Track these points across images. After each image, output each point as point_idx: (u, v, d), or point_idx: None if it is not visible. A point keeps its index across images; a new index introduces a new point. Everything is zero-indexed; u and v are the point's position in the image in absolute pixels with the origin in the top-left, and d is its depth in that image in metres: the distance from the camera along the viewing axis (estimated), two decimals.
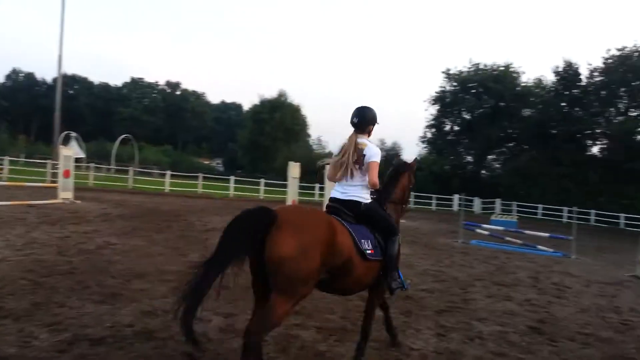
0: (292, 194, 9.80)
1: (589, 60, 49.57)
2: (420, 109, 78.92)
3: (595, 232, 25.74)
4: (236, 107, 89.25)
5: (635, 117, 34.26)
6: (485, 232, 14.54)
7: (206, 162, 70.16)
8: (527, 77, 44.57)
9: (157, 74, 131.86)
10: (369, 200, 4.05)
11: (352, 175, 3.99)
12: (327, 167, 4.44)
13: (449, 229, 18.50)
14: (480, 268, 9.88)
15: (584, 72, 36.47)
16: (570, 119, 35.74)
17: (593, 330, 5.91)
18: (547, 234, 14.35)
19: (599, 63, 35.49)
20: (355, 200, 3.96)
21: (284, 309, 3.18)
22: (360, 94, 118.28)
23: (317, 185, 30.15)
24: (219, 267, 3.14)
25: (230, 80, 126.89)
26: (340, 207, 3.94)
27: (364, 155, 3.99)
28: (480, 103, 39.74)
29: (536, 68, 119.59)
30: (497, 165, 43.18)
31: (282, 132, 57.83)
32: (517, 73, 41.37)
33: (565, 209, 29.74)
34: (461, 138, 43.07)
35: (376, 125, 4.25)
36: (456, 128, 43.79)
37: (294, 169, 9.85)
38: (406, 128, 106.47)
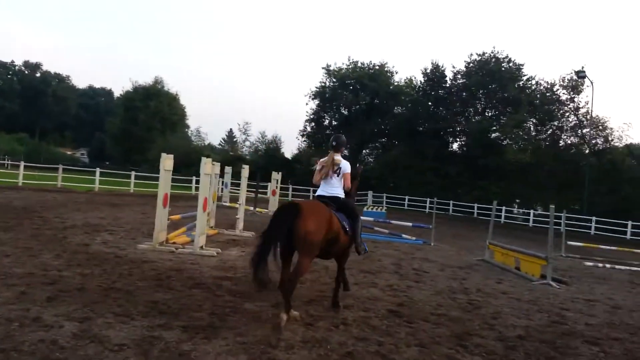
0: (163, 187, 9.36)
1: (453, 63, 54.64)
2: (301, 103, 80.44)
3: (453, 220, 28.41)
4: (106, 93, 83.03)
5: (490, 117, 38.27)
6: None
7: (69, 153, 64.40)
8: (400, 77, 47.58)
9: (13, 54, 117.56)
10: (344, 196, 6.06)
11: (331, 180, 6.02)
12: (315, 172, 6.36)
13: None
14: (349, 257, 10.33)
15: (449, 75, 39.88)
16: (436, 117, 38.87)
17: (445, 310, 6.51)
18: (410, 224, 15.51)
19: (462, 66, 39.05)
20: (336, 196, 5.99)
21: (307, 265, 5.21)
22: (242, 86, 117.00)
23: (194, 178, 29.29)
24: (273, 240, 4.94)
25: (100, 63, 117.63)
26: (327, 200, 5.82)
27: (340, 167, 6.04)
28: (357, 99, 41.48)
29: (408, 69, 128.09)
30: (371, 159, 45.56)
31: (157, 122, 55.12)
32: (391, 72, 43.96)
33: (428, 200, 32.35)
34: (339, 132, 44.45)
35: (346, 148, 6.67)
36: (335, 123, 45.23)
37: (166, 161, 9.40)
38: (287, 121, 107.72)
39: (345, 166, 6.09)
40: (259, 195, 22.89)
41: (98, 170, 27.00)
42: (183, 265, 7.88)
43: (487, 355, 4.80)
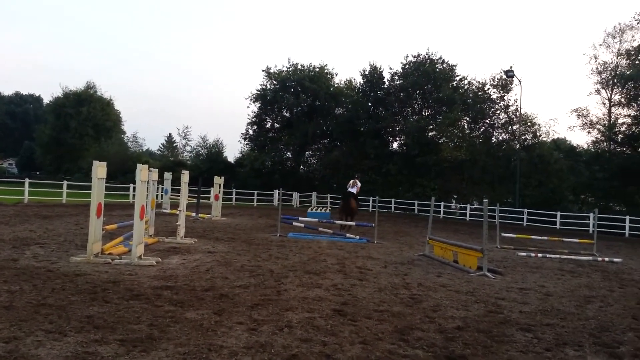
0: (97, 196, 8.96)
1: (390, 64, 55.98)
2: (243, 106, 79.44)
3: (395, 218, 29.07)
4: (34, 99, 78.53)
5: (427, 116, 39.43)
6: (301, 225, 15.30)
7: None
8: (340, 79, 48.12)
9: None
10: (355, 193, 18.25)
11: (352, 187, 18.28)
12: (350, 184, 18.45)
13: (268, 224, 19.03)
14: (294, 259, 10.36)
15: (386, 76, 40.72)
16: (375, 117, 39.59)
17: (387, 306, 6.63)
18: (353, 223, 15.70)
19: (398, 68, 40.01)
20: (353, 192, 18.02)
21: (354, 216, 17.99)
22: (181, 90, 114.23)
23: (132, 186, 28.28)
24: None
25: (27, 69, 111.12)
26: (350, 194, 17.82)
27: (357, 184, 18.72)
28: (298, 101, 41.51)
29: (347, 70, 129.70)
30: (314, 160, 45.77)
31: (91, 128, 52.79)
32: (331, 74, 44.30)
33: (371, 198, 32.93)
34: (281, 135, 44.48)
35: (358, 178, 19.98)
36: (277, 125, 45.07)
37: (99, 169, 9.01)
38: (229, 125, 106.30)
39: (358, 184, 18.69)
40: (202, 200, 22.45)
41: (27, 180, 25.44)
42: (120, 277, 7.58)
43: (427, 348, 4.93)
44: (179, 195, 13.60)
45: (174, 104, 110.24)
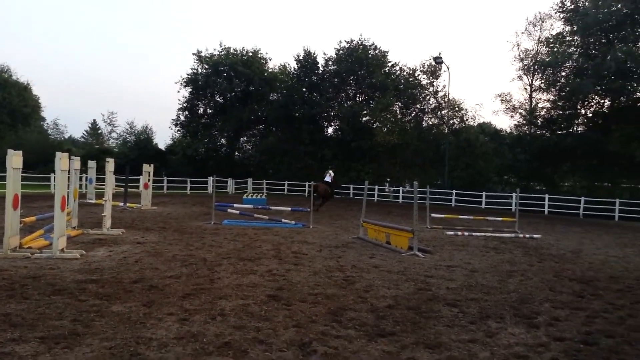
0: (12, 188, 8.35)
1: (324, 50, 56.02)
2: (173, 90, 76.75)
3: (331, 202, 29.39)
4: None
5: (360, 101, 39.94)
6: (236, 212, 15.11)
7: None
8: (274, 64, 47.57)
9: None
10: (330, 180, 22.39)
11: (327, 177, 22.61)
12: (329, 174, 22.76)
13: (202, 212, 18.64)
14: (229, 246, 10.22)
15: (320, 61, 40.71)
16: (310, 102, 39.59)
17: (322, 289, 6.70)
18: (289, 208, 15.72)
19: (332, 53, 40.12)
20: (327, 180, 22.20)
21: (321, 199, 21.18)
22: (105, 73, 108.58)
23: (53, 176, 26.62)
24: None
25: None
26: (325, 182, 21.95)
27: (330, 174, 22.97)
28: (232, 86, 40.60)
29: (281, 55, 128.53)
30: (249, 147, 45.21)
31: (6, 115, 49.06)
32: (265, 59, 43.61)
33: (307, 183, 33.08)
34: (215, 120, 43.48)
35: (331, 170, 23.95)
36: (210, 111, 43.95)
37: (14, 159, 8.39)
38: (159, 110, 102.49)
39: (332, 174, 23.11)
40: (130, 189, 21.57)
41: None
42: (40, 272, 7.14)
43: (359, 327, 5.04)
44: (104, 185, 12.97)
45: (98, 89, 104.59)
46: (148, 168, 21.12)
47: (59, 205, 8.47)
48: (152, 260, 8.42)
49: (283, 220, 15.11)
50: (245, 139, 45.01)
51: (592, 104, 32.62)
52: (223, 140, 43.76)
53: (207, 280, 7.00)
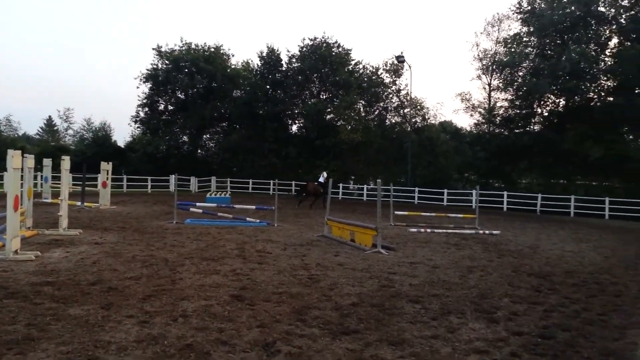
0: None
1: (288, 47, 55.77)
2: (132, 86, 74.85)
3: (295, 200, 29.34)
4: None
5: (324, 99, 40.01)
6: (199, 211, 14.86)
7: None
8: (236, 60, 47.06)
9: None
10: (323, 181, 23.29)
11: (321, 177, 24.37)
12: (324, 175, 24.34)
13: (164, 211, 18.26)
14: (191, 246, 10.04)
15: (284, 58, 40.54)
16: (274, 100, 39.39)
17: (286, 288, 6.67)
18: (254, 207, 15.59)
19: (296, 51, 40.00)
20: (320, 181, 23.85)
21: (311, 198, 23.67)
22: (61, 68, 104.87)
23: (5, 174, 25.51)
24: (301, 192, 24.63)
25: None
26: (320, 183, 23.92)
27: (325, 176, 23.91)
28: (193, 82, 39.94)
29: (244, 52, 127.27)
30: (212, 144, 44.59)
31: None
32: (227, 55, 43.14)
33: (272, 181, 32.92)
34: (176, 117, 42.72)
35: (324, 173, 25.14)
36: (171, 107, 43.11)
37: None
38: (117, 107, 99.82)
39: (325, 175, 23.99)
40: (87, 188, 20.91)
41: None
42: None
43: (324, 326, 5.03)
44: (60, 183, 12.49)
45: (54, 85, 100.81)
46: (106, 166, 20.52)
47: (11, 205, 8.11)
48: (110, 261, 8.18)
49: (247, 219, 14.97)
50: (208, 136, 44.39)
51: (548, 103, 33.77)
52: (185, 138, 43.00)
53: (168, 281, 6.85)
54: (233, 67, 42.82)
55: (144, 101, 41.79)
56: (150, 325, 4.88)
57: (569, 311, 6.11)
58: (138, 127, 42.65)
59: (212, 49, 41.68)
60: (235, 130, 41.55)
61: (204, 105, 40.16)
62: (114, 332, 4.63)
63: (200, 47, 41.44)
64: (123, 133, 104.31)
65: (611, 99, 29.96)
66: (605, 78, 30.87)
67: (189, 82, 39.67)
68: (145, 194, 31.02)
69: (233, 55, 43.40)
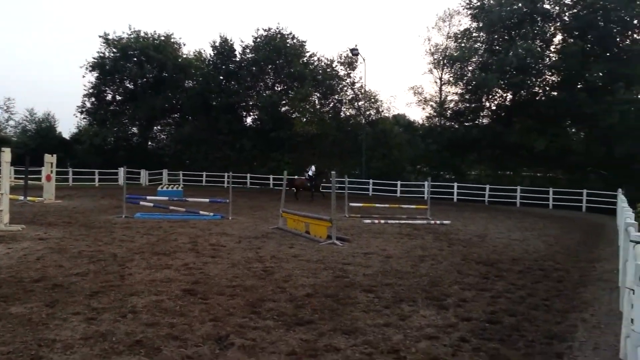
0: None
1: (242, 37, 54.83)
2: (77, 75, 71.79)
3: (251, 193, 29.14)
4: None
5: (279, 91, 39.73)
6: (150, 204, 14.48)
7: None
8: (188, 50, 45.91)
9: None
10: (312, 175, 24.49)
11: (310, 171, 24.71)
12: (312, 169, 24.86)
13: (112, 205, 17.68)
14: (142, 241, 9.77)
15: (238, 49, 39.90)
16: (228, 91, 38.77)
17: (240, 281, 6.61)
18: (207, 200, 15.34)
19: (250, 41, 39.46)
20: (312, 175, 24.43)
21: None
22: (0, 56, 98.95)
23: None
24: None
25: None
26: (309, 177, 24.63)
27: (313, 170, 24.60)
28: (143, 72, 38.72)
29: (196, 41, 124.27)
30: (163, 136, 43.48)
31: None
32: (178, 44, 42.05)
33: (226, 174, 32.47)
34: (125, 108, 41.36)
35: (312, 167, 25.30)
36: (119, 98, 41.68)
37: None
38: (62, 97, 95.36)
39: (313, 169, 24.64)
40: (30, 182, 19.94)
41: None
42: None
43: (278, 318, 5.03)
44: (0, 177, 11.83)
45: None
46: (50, 159, 19.64)
47: None
48: (56, 257, 7.85)
49: (201, 212, 14.71)
50: (159, 128, 43.24)
51: (496, 97, 34.86)
52: (134, 129, 41.73)
53: (117, 276, 6.65)
54: (185, 56, 41.82)
55: (91, 91, 40.20)
56: (97, 322, 4.73)
57: (515, 297, 6.37)
58: (84, 118, 41.02)
59: (163, 38, 40.53)
60: (188, 122, 40.65)
61: (154, 95, 39.06)
62: (59, 330, 4.46)
63: (150, 36, 40.21)
64: (68, 124, 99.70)
65: (555, 93, 31.26)
66: (549, 73, 32.16)
67: (138, 71, 38.45)
68: (93, 187, 29.92)
69: (184, 45, 42.32)
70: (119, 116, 40.61)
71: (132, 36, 39.72)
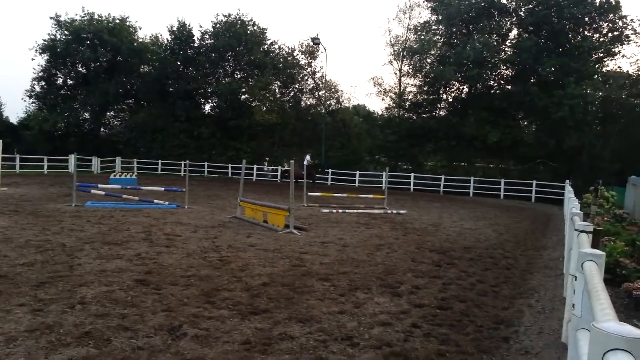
0: None
1: (201, 23, 53.60)
2: (26, 58, 68.36)
3: (209, 182, 28.73)
4: None
5: (239, 79, 39.15)
6: (102, 192, 14.04)
7: None
8: (144, 34, 44.51)
9: None
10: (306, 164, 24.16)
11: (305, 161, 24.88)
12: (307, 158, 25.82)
13: (62, 193, 17.05)
14: (92, 230, 9.47)
15: (196, 34, 38.98)
16: (186, 77, 37.86)
17: (195, 271, 6.52)
18: (162, 188, 15.01)
19: (209, 27, 38.61)
20: (304, 163, 24.32)
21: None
22: None
23: None
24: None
25: None
26: (304, 166, 23.59)
27: (308, 159, 25.53)
28: (96, 56, 37.24)
29: (152, 25, 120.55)
30: (117, 122, 42.11)
31: None
32: (134, 28, 40.68)
33: (183, 162, 31.85)
34: (77, 93, 39.78)
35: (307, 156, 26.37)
36: (70, 82, 40.03)
37: None
38: (9, 80, 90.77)
39: (308, 158, 25.69)
40: None
41: None
42: None
43: (233, 307, 5.00)
44: None
45: None
46: None
47: None
48: (1, 247, 7.51)
49: (155, 201, 14.38)
50: (112, 114, 41.82)
51: (453, 90, 35.60)
52: (87, 115, 40.18)
53: (65, 267, 6.43)
54: (141, 41, 40.49)
55: (40, 74, 38.43)
56: (44, 313, 4.57)
57: (466, 283, 6.57)
58: (33, 103, 39.16)
59: (118, 21, 39.08)
60: (143, 108, 39.47)
61: (107, 80, 37.72)
62: (2, 322, 4.29)
63: (104, 18, 38.68)
64: (15, 109, 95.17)
65: (509, 87, 32.23)
66: (504, 67, 33.07)
67: (91, 55, 36.98)
68: (42, 174, 28.68)
69: (140, 29, 41.09)
70: (70, 101, 39.01)
71: (85, 18, 38.12)
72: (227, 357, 3.80)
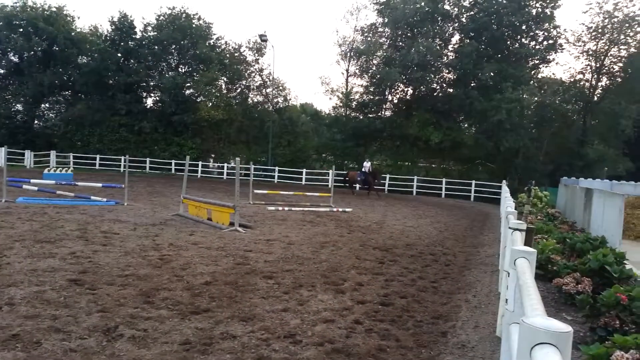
0: None
1: (143, 14, 51.87)
2: None
3: (150, 178, 27.89)
4: None
5: (184, 73, 38.18)
6: (34, 188, 13.31)
7: None
8: (83, 24, 42.55)
9: None
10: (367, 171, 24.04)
11: (364, 168, 24.12)
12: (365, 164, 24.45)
13: None
14: (23, 227, 8.94)
15: (139, 26, 37.70)
16: (127, 70, 36.51)
17: (133, 270, 6.29)
18: (100, 184, 14.42)
19: (152, 19, 37.43)
20: (365, 172, 23.85)
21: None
22: None
23: None
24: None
25: None
26: (364, 172, 24.02)
27: (365, 165, 24.24)
28: (30, 45, 35.20)
29: (91, 15, 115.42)
30: (52, 115, 40.02)
31: None
32: (72, 17, 38.80)
33: (123, 158, 30.74)
34: (8, 83, 37.51)
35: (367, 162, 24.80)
36: (2, 71, 37.68)
37: None
38: None
39: (368, 165, 24.08)
40: None
41: None
42: None
43: (173, 307, 4.87)
44: None
45: None
46: None
47: None
48: None
49: (92, 197, 13.78)
50: (47, 105, 39.72)
51: (398, 91, 36.38)
52: (19, 107, 37.95)
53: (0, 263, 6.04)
54: (79, 31, 38.65)
55: None
56: None
57: (407, 280, 6.73)
58: None
59: (54, 9, 37.13)
60: (81, 101, 37.71)
61: (42, 70, 35.80)
62: None
63: (39, 6, 36.65)
64: None
65: (451, 90, 33.33)
66: (447, 71, 34.19)
67: (24, 43, 34.92)
68: None
69: (79, 18, 39.34)
70: (1, 92, 36.73)
71: (18, 4, 35.98)
72: (165, 358, 3.70)
